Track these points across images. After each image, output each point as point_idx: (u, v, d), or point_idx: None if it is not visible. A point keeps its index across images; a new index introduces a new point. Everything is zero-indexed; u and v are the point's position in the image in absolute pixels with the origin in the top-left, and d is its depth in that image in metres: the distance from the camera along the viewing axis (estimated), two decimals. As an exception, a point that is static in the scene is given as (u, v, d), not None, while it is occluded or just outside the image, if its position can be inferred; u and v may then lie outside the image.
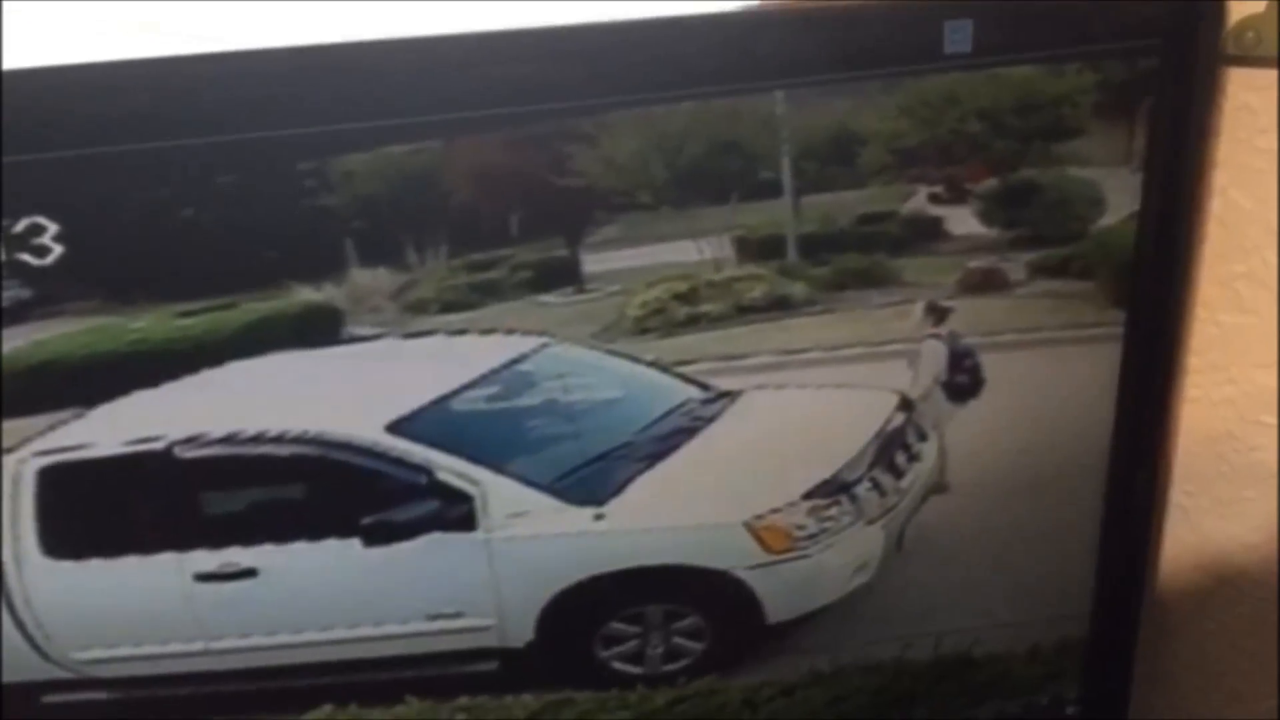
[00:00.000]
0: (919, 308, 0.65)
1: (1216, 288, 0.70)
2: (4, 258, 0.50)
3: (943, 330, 0.66)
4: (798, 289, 0.64)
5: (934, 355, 0.67)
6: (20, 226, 0.50)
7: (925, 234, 0.65)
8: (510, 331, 0.60)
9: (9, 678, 0.60)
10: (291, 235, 0.55)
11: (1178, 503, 0.77)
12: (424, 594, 0.63)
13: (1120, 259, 0.67)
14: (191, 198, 0.53)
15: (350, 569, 0.61)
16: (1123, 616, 0.79)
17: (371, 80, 0.54)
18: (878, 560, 0.70)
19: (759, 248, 0.63)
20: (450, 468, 0.61)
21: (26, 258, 0.51)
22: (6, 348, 0.53)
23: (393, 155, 0.55)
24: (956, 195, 0.64)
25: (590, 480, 0.64)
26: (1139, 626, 0.80)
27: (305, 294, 0.56)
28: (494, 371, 0.61)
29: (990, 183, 0.64)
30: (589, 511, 0.64)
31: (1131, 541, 0.77)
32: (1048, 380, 0.70)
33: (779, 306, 0.64)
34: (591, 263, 0.60)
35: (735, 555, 0.67)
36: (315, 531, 0.61)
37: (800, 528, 0.67)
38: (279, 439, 0.59)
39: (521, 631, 0.66)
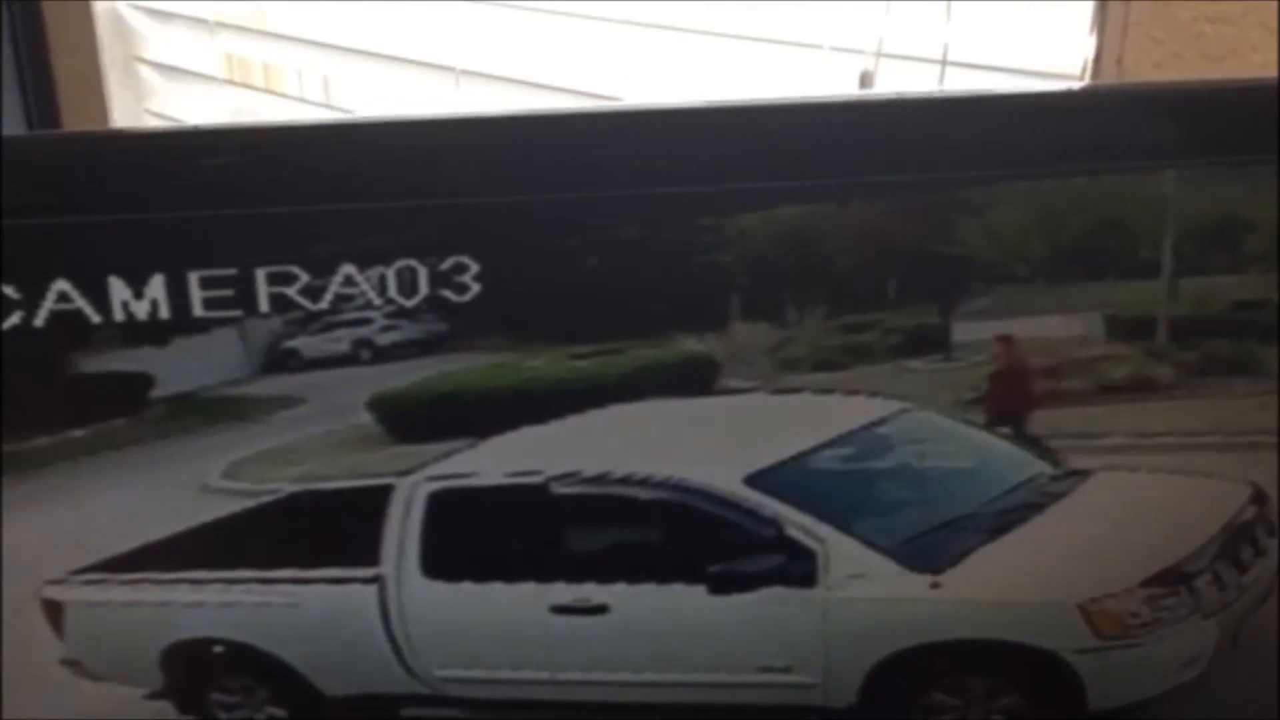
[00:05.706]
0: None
1: None
2: (428, 292, 0.53)
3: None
4: (1163, 371, 0.63)
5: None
6: (447, 264, 0.53)
7: (1302, 324, 0.62)
8: (874, 394, 0.61)
9: (375, 689, 0.63)
10: (682, 287, 0.57)
11: None
12: (758, 646, 0.64)
13: None
14: (596, 247, 0.56)
15: (693, 614, 0.63)
16: None
17: (772, 142, 0.55)
18: (1209, 655, 0.67)
19: (1128, 327, 0.62)
20: (799, 524, 0.62)
21: (448, 294, 0.54)
22: (417, 377, 0.56)
23: (785, 216, 0.57)
24: (1340, 286, 0.62)
25: (931, 548, 0.64)
26: None
27: (688, 344, 0.58)
28: (852, 432, 0.62)
29: (1378, 275, 0.62)
30: (926, 579, 0.64)
31: None
32: None
33: (1141, 388, 0.63)
34: (960, 332, 0.60)
35: (1065, 637, 0.65)
36: (665, 575, 0.62)
37: (1135, 615, 0.65)
38: (644, 482, 0.60)
39: (845, 693, 0.65)
